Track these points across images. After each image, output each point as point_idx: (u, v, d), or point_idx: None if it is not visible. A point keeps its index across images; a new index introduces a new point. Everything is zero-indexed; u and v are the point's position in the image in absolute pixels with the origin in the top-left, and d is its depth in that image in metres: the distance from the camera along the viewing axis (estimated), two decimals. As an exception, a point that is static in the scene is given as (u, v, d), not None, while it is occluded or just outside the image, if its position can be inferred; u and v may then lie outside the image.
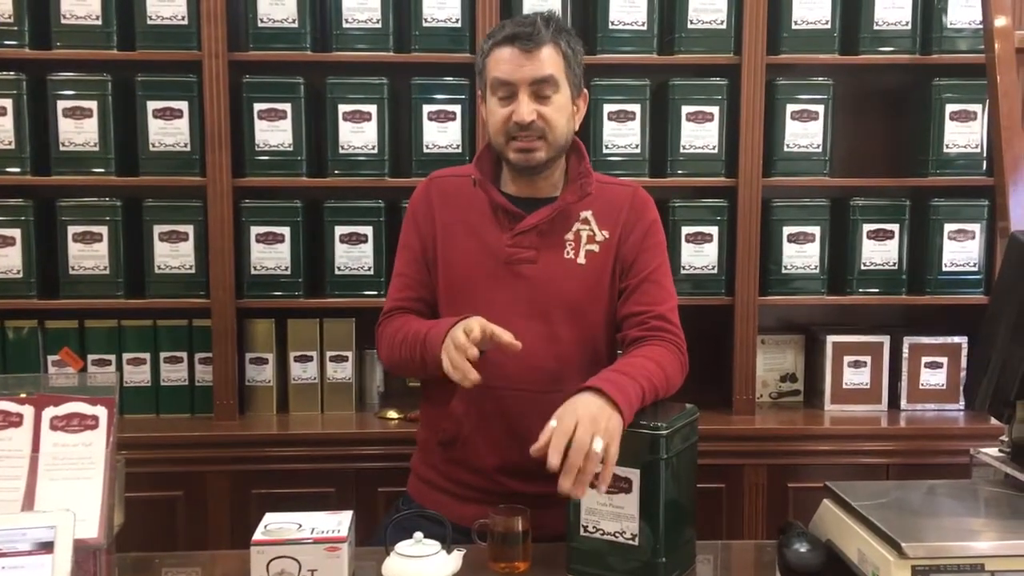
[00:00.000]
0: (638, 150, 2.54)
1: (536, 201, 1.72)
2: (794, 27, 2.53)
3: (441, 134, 2.52)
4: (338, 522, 1.44)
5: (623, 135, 2.53)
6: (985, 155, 2.57)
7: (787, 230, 2.58)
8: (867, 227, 2.60)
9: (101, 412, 1.35)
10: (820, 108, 2.55)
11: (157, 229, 2.51)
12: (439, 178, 1.82)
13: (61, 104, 2.46)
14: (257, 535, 1.39)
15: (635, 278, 1.71)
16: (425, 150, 2.52)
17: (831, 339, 2.62)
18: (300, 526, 1.41)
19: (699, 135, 2.54)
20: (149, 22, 2.46)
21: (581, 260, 1.71)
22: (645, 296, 1.70)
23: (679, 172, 2.55)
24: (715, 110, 2.53)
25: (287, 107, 2.49)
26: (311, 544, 1.37)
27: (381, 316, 1.81)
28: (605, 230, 1.72)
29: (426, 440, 1.82)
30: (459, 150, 2.51)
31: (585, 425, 1.38)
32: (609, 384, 1.45)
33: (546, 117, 1.65)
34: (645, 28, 2.52)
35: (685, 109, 2.53)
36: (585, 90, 1.76)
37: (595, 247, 1.72)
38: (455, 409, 1.71)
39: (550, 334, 1.69)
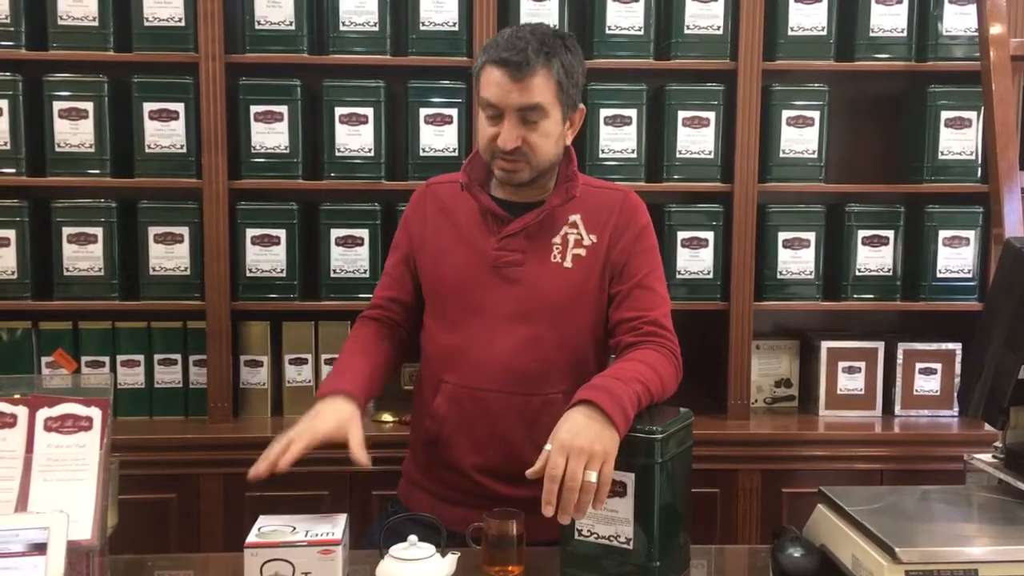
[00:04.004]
0: (634, 155, 2.55)
1: (525, 205, 1.73)
2: (790, 33, 2.54)
3: (438, 137, 2.52)
4: (332, 525, 1.43)
5: (619, 140, 2.54)
6: (980, 162, 2.58)
7: (782, 235, 2.59)
8: (862, 233, 2.60)
9: (95, 413, 1.34)
10: (816, 114, 2.56)
11: (152, 231, 2.50)
12: (435, 184, 1.85)
13: (57, 105, 2.45)
14: (251, 538, 1.39)
15: (627, 283, 1.71)
16: (421, 153, 2.52)
17: (826, 344, 2.62)
18: (294, 529, 1.41)
19: (695, 140, 2.54)
20: (146, 23, 2.45)
21: (568, 264, 1.71)
22: (637, 302, 1.70)
23: (675, 177, 2.56)
24: (711, 115, 2.54)
25: (283, 109, 2.49)
26: (305, 547, 1.37)
27: (365, 311, 1.88)
28: (593, 234, 1.72)
29: (414, 441, 1.84)
30: (455, 153, 2.51)
31: (577, 458, 1.37)
32: (604, 395, 1.44)
33: (530, 143, 1.64)
34: (642, 33, 2.53)
35: (681, 114, 2.54)
36: (582, 105, 1.75)
37: (582, 251, 1.72)
38: (438, 408, 1.73)
39: (534, 337, 1.70)
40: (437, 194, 1.82)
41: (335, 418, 1.58)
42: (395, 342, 1.84)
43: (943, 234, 2.59)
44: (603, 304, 1.73)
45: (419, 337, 1.86)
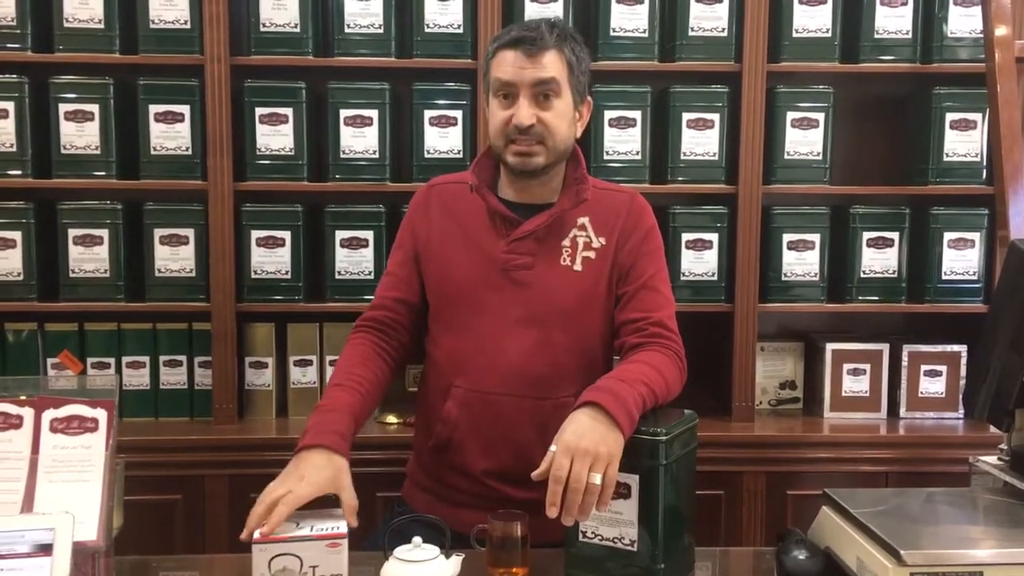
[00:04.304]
0: (639, 156, 2.55)
1: (534, 207, 1.72)
2: (795, 35, 2.54)
3: (442, 139, 2.52)
4: (336, 520, 1.45)
5: (624, 141, 2.54)
6: (985, 164, 2.58)
7: (787, 237, 2.58)
8: (867, 235, 2.60)
9: (101, 415, 1.35)
10: (820, 116, 2.56)
11: (158, 232, 2.51)
12: (439, 184, 1.84)
13: (63, 107, 2.46)
14: (258, 533, 1.39)
15: (632, 284, 1.71)
16: (426, 155, 2.53)
17: (830, 347, 2.62)
18: (299, 525, 1.42)
19: (699, 142, 2.54)
20: (152, 26, 2.46)
21: (578, 267, 1.71)
22: (642, 303, 1.70)
23: (679, 179, 2.56)
24: (716, 117, 2.54)
25: (288, 111, 2.50)
26: (313, 540, 1.38)
27: (366, 312, 1.81)
28: (602, 237, 1.72)
29: (420, 445, 1.82)
30: (460, 155, 2.52)
31: (582, 459, 1.37)
32: (609, 397, 1.44)
33: (546, 122, 1.65)
34: (646, 35, 2.53)
35: (686, 116, 2.54)
36: (590, 98, 1.76)
37: (591, 254, 1.71)
38: (449, 413, 1.72)
39: (545, 340, 1.69)
40: (442, 195, 1.80)
41: (319, 479, 1.51)
42: (392, 356, 1.77)
43: (948, 236, 2.59)
44: (612, 307, 1.73)
45: (423, 342, 1.84)
